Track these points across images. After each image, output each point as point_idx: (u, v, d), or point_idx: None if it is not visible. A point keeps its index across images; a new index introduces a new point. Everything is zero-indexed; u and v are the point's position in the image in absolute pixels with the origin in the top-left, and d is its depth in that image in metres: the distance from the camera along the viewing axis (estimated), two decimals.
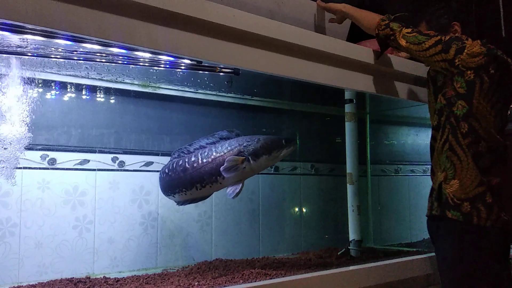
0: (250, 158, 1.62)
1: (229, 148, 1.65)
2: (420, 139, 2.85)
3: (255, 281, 1.58)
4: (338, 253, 2.12)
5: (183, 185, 1.72)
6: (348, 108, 2.18)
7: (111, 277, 1.71)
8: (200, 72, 1.69)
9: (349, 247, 2.13)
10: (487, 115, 1.58)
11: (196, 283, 1.57)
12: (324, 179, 2.54)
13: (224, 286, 1.51)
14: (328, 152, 2.55)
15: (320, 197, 2.51)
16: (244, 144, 1.64)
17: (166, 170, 1.79)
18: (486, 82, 1.57)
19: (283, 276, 1.66)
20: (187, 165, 1.71)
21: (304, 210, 2.43)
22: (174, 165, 1.75)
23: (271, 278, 1.62)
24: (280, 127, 2.43)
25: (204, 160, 1.67)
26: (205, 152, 1.69)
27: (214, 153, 1.67)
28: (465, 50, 1.58)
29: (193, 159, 1.70)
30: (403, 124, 2.83)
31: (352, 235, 2.14)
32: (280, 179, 2.38)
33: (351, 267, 1.83)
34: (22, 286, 1.55)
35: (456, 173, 1.59)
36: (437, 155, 1.67)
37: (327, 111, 2.53)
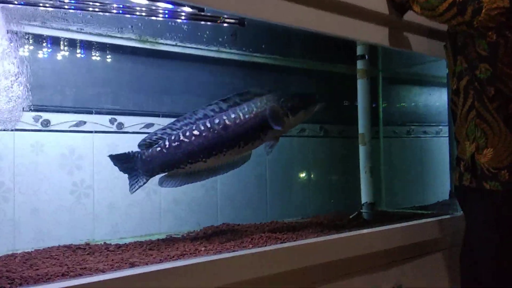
0: (289, 113, 1.58)
1: (268, 103, 1.57)
2: (433, 99, 2.72)
3: (265, 246, 1.48)
4: (350, 217, 2.02)
5: (224, 144, 1.55)
6: (360, 64, 2.05)
7: (112, 243, 1.62)
8: (202, 23, 1.56)
9: (361, 210, 2.03)
10: None
11: (202, 248, 1.47)
12: (333, 141, 2.42)
13: (233, 251, 1.42)
14: (337, 113, 2.43)
15: (330, 160, 2.40)
16: (282, 99, 1.58)
17: (193, 132, 1.55)
18: (511, 40, 1.44)
19: (294, 240, 1.57)
20: (227, 122, 1.55)
21: (313, 173, 2.33)
22: (209, 124, 1.55)
23: (282, 242, 1.53)
24: (286, 86, 2.30)
25: (247, 116, 1.55)
26: (244, 108, 1.56)
27: (255, 108, 1.56)
28: (483, 10, 1.44)
29: (233, 115, 1.55)
30: (415, 83, 2.70)
31: (364, 198, 2.04)
32: (288, 141, 2.27)
33: (366, 230, 1.73)
34: (17, 253, 1.45)
35: (488, 141, 1.49)
36: (461, 123, 1.57)
37: (337, 68, 2.38)
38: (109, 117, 1.85)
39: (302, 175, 2.30)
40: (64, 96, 1.76)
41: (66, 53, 1.76)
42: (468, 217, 1.61)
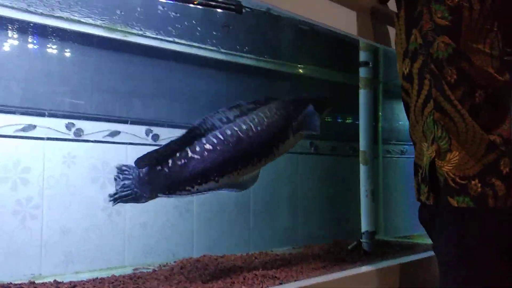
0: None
1: (280, 111, 1.34)
2: None
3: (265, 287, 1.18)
4: (349, 247, 1.75)
5: (239, 160, 1.27)
6: (363, 72, 1.79)
7: (64, 281, 1.27)
8: (192, 6, 1.26)
9: (361, 240, 1.76)
10: (480, 48, 1.09)
11: None
12: (326, 159, 2.15)
13: None
14: (330, 127, 2.16)
15: (322, 180, 2.12)
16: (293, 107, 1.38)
17: (205, 146, 1.25)
18: (477, 2, 1.09)
19: (295, 279, 1.28)
20: (241, 134, 1.27)
21: (302, 196, 2.04)
22: (222, 136, 1.26)
23: (281, 283, 1.23)
24: (274, 93, 2.01)
25: (259, 128, 1.30)
26: (254, 118, 1.31)
27: (268, 119, 1.32)
28: None
29: (244, 127, 1.28)
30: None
31: (365, 226, 1.76)
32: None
33: (377, 266, 1.47)
34: None
35: (452, 142, 1.08)
36: (416, 118, 1.17)
37: (332, 76, 2.12)
38: (66, 121, 1.51)
39: (290, 197, 2.00)
40: (9, 93, 1.41)
41: (14, 40, 1.42)
42: (435, 249, 1.18)
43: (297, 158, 2.05)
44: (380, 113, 2.23)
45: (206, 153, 1.23)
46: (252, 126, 1.29)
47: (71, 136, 1.51)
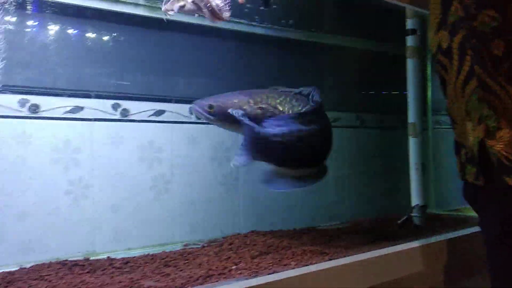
0: None
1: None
2: None
3: (311, 263, 1.17)
4: (398, 222, 1.70)
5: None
6: (410, 41, 1.72)
7: (117, 257, 1.30)
8: None
9: (411, 214, 1.72)
10: None
11: (233, 267, 1.16)
12: (372, 132, 2.10)
13: (273, 271, 1.10)
14: (377, 100, 2.10)
15: (369, 154, 2.07)
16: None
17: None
18: None
19: (344, 255, 1.26)
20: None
21: (349, 170, 2.00)
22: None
23: (330, 259, 1.22)
24: (315, 66, 1.97)
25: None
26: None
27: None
28: None
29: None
30: None
31: (415, 200, 1.72)
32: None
33: (429, 240, 1.43)
34: None
35: (501, 120, 1.02)
36: (456, 96, 1.10)
37: (377, 47, 2.05)
38: (112, 101, 1.53)
39: (337, 172, 1.97)
40: (56, 76, 1.44)
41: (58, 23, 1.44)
42: (482, 226, 1.14)
43: (343, 132, 2.01)
44: (429, 83, 2.14)
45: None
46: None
47: (118, 117, 1.53)
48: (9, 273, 1.13)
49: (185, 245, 1.48)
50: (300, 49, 1.90)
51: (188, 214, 1.63)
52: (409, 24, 1.73)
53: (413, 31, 1.72)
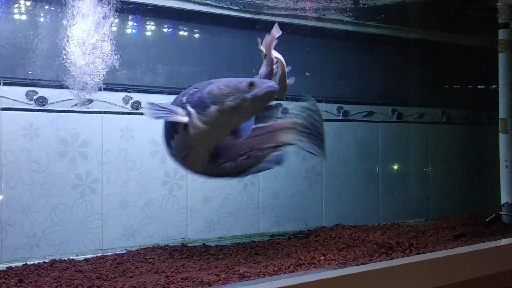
0: None
1: None
2: None
3: (397, 257, 1.19)
4: (487, 220, 1.67)
5: None
6: (502, 34, 1.67)
7: (211, 245, 1.39)
8: None
9: (500, 212, 1.67)
10: None
11: (321, 257, 1.20)
12: (458, 128, 2.06)
13: (361, 262, 1.14)
14: (463, 95, 2.06)
15: (454, 151, 2.03)
16: None
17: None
18: None
19: (432, 249, 1.26)
20: None
21: (433, 166, 1.97)
22: None
23: (418, 253, 1.23)
24: (404, 63, 1.96)
25: None
26: None
27: None
28: None
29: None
30: None
31: (504, 198, 1.67)
32: (404, 128, 1.94)
33: None
34: (107, 255, 1.26)
35: None
36: None
37: (466, 41, 2.00)
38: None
39: (420, 168, 1.95)
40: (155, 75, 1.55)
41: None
42: None
43: (427, 128, 1.98)
44: None
45: None
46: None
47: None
48: (118, 255, 1.26)
49: (272, 236, 1.55)
50: (388, 45, 1.90)
51: (273, 206, 1.69)
52: (502, 18, 1.67)
53: (506, 25, 1.67)
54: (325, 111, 1.77)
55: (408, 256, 1.20)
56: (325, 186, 1.78)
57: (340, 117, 1.81)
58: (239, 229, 1.62)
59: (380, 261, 1.15)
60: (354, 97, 1.84)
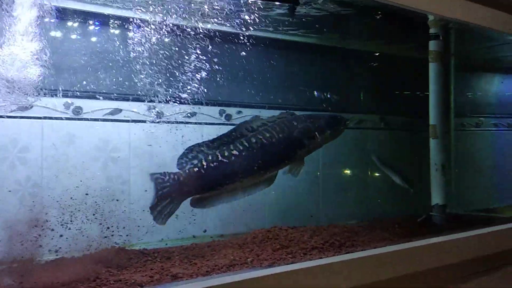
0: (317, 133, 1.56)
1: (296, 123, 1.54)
2: (506, 87, 2.40)
3: (328, 256, 1.25)
4: (418, 220, 1.76)
5: (261, 164, 1.47)
6: (433, 45, 1.78)
7: (151, 248, 1.42)
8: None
9: (431, 213, 1.77)
10: None
11: (249, 259, 1.25)
12: (396, 134, 2.16)
13: (291, 262, 1.19)
14: (400, 103, 2.16)
15: (392, 155, 2.13)
16: (311, 119, 1.57)
17: (232, 152, 1.45)
18: None
19: (362, 249, 1.33)
20: (264, 141, 1.48)
21: (372, 171, 2.07)
22: (247, 143, 1.47)
23: (347, 252, 1.30)
24: (342, 71, 2.04)
25: (280, 135, 1.50)
26: (276, 127, 1.51)
27: (286, 128, 1.52)
28: None
29: (268, 134, 1.48)
30: (485, 69, 2.39)
31: (435, 199, 1.77)
32: (344, 134, 2.02)
33: (441, 238, 1.48)
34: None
35: None
36: None
37: (400, 51, 2.11)
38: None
39: (360, 172, 2.04)
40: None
41: None
42: None
43: (367, 133, 2.07)
44: (451, 86, 2.18)
45: (233, 157, 1.42)
46: (274, 133, 1.48)
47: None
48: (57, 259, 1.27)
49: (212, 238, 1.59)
50: (326, 54, 1.98)
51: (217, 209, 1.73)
52: (432, 29, 1.78)
53: (436, 36, 1.78)
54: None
55: (337, 255, 1.27)
56: (269, 189, 1.84)
57: None
58: (181, 232, 1.65)
59: (311, 260, 1.21)
60: (300, 104, 1.90)
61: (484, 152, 2.37)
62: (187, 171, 1.38)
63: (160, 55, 1.47)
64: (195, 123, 1.71)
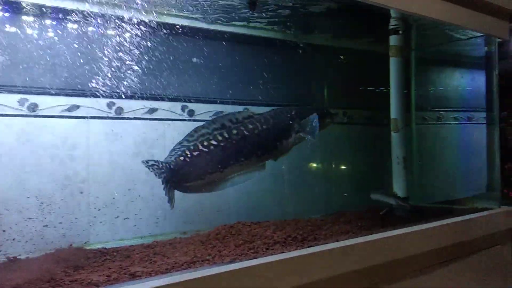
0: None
1: (284, 115, 1.60)
2: (465, 82, 2.46)
3: (289, 250, 1.25)
4: (381, 213, 1.78)
5: (241, 154, 1.51)
6: (393, 40, 1.79)
7: (111, 247, 1.39)
8: None
9: (393, 206, 1.79)
10: None
11: (216, 254, 1.24)
12: (359, 128, 2.17)
13: (253, 257, 1.18)
14: (362, 97, 2.17)
15: (355, 149, 2.15)
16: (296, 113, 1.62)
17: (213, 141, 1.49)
18: None
19: (324, 242, 1.33)
20: (245, 132, 1.52)
21: (336, 165, 2.08)
22: (227, 134, 1.51)
23: (310, 246, 1.30)
24: (306, 67, 2.04)
25: (264, 126, 1.55)
26: (260, 119, 1.56)
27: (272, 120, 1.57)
28: None
29: (250, 126, 1.53)
30: (445, 64, 2.43)
31: (397, 192, 1.79)
32: None
33: (402, 231, 1.50)
34: None
35: None
36: None
37: (361, 46, 2.13)
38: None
39: (324, 167, 2.05)
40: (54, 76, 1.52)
41: None
42: None
43: (329, 128, 2.08)
44: (412, 81, 2.21)
45: (212, 147, 1.46)
46: (258, 125, 1.52)
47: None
48: (11, 261, 1.22)
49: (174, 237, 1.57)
50: (287, 50, 1.97)
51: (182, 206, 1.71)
52: (392, 24, 1.80)
53: (396, 31, 1.79)
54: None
55: (299, 249, 1.26)
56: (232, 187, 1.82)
57: None
58: (144, 230, 1.62)
59: (272, 254, 1.21)
60: (259, 99, 1.89)
61: (445, 145, 2.42)
62: (174, 160, 1.43)
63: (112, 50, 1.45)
64: (156, 119, 1.69)
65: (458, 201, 2.11)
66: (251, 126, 1.52)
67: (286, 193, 1.94)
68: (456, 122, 2.47)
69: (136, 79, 1.58)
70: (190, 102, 1.75)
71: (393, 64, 1.80)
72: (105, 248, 1.37)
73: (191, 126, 1.76)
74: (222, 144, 1.48)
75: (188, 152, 1.45)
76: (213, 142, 1.47)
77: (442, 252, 1.63)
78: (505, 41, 1.92)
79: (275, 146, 1.56)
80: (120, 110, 1.63)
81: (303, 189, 1.98)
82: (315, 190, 2.01)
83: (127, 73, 1.57)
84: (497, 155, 2.05)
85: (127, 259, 1.26)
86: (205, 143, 1.47)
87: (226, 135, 1.49)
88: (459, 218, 1.70)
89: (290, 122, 1.58)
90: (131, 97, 1.63)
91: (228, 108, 1.83)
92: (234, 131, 1.50)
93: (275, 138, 1.55)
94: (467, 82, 2.47)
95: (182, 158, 1.45)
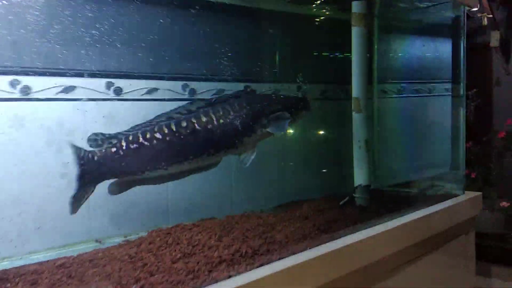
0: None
1: (251, 106, 1.35)
2: (426, 51, 2.26)
3: (243, 271, 1.03)
4: (340, 204, 1.59)
5: (191, 151, 1.28)
6: (356, 7, 1.55)
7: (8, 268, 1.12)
8: None
9: (353, 195, 1.61)
10: None
11: (146, 275, 1.00)
12: (314, 103, 1.94)
13: (194, 286, 0.95)
14: (319, 70, 1.93)
15: (310, 130, 1.91)
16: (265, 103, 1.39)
17: (149, 135, 1.25)
18: None
19: (279, 257, 1.12)
20: (196, 126, 1.28)
21: (288, 150, 1.84)
22: (174, 127, 1.27)
23: (261, 265, 1.08)
24: (253, 36, 1.77)
25: (221, 120, 1.31)
26: (218, 111, 1.31)
27: (232, 112, 1.33)
28: None
29: (204, 119, 1.29)
30: (406, 32, 2.21)
31: (358, 180, 1.60)
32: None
33: (366, 234, 1.33)
34: None
35: None
36: None
37: (319, 12, 1.86)
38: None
39: (273, 151, 1.80)
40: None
41: None
42: None
43: None
44: (375, 53, 1.99)
45: (155, 141, 1.23)
46: (214, 118, 1.29)
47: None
48: None
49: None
50: (236, 15, 1.69)
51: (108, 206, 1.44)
52: None
53: None
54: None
55: (250, 270, 1.04)
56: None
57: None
58: (63, 237, 1.35)
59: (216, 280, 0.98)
60: (195, 73, 1.62)
61: (406, 119, 2.23)
62: (103, 150, 1.21)
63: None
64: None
65: (423, 181, 1.97)
66: (205, 119, 1.28)
67: (235, 182, 1.71)
68: (418, 95, 2.28)
69: (46, 50, 1.28)
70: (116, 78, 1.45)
71: (355, 35, 1.56)
72: (6, 271, 1.09)
73: (119, 106, 1.50)
74: (168, 138, 1.25)
75: (124, 143, 1.22)
76: (158, 136, 1.24)
77: (408, 251, 1.48)
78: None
79: (233, 143, 1.33)
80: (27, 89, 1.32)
81: (254, 177, 1.75)
82: (268, 179, 1.78)
83: (35, 43, 1.27)
84: (462, 130, 1.91)
85: (33, 286, 1.00)
86: (148, 135, 1.23)
87: (173, 127, 1.26)
88: (421, 213, 1.56)
89: (256, 116, 1.34)
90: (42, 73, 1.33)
91: (166, 85, 1.55)
92: (184, 124, 1.27)
93: (235, 134, 1.31)
94: (428, 51, 2.27)
95: (114, 149, 1.21)
